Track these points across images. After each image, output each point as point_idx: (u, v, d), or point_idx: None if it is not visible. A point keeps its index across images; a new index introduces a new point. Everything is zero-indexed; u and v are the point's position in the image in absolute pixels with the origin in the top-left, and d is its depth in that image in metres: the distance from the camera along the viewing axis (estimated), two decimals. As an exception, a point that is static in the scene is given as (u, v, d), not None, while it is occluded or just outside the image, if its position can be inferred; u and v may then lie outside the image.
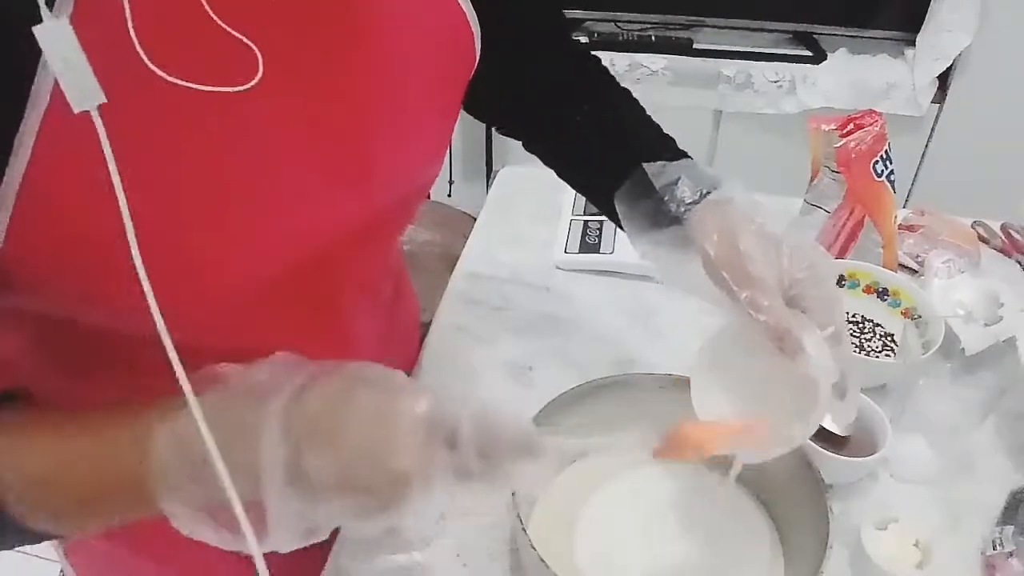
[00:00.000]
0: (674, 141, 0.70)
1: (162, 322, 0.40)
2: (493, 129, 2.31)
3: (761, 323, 0.55)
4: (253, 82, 0.47)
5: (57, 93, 0.40)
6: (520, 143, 0.78)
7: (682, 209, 0.61)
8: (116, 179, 0.39)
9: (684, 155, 0.68)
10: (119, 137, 0.41)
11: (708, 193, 0.61)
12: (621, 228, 0.64)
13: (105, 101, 0.39)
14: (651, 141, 0.70)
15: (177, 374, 0.40)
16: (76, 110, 0.39)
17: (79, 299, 0.48)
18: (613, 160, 0.68)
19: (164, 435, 0.42)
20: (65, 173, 0.42)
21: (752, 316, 0.56)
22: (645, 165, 0.63)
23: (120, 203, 0.39)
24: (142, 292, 0.45)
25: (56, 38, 0.37)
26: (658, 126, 0.72)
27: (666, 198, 0.61)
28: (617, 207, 0.64)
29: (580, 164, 0.74)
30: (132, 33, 0.41)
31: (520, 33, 0.70)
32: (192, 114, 0.46)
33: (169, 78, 0.43)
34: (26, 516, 0.46)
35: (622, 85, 0.76)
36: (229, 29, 0.45)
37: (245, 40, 0.46)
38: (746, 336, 0.58)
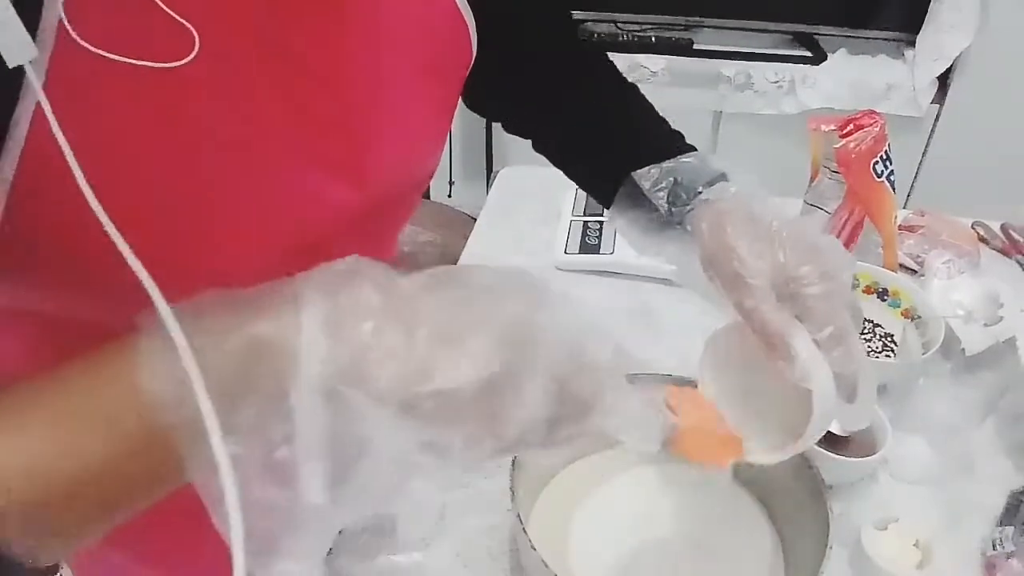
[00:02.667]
0: (682, 136, 0.68)
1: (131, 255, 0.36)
2: (493, 130, 2.33)
3: (750, 327, 0.53)
4: (185, 60, 0.45)
5: (52, 70, 0.41)
6: (522, 144, 0.78)
7: (674, 213, 0.59)
8: (61, 138, 0.38)
9: (691, 149, 0.65)
10: (77, 117, 0.41)
11: (699, 193, 0.59)
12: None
13: (37, 55, 0.39)
14: (657, 139, 0.68)
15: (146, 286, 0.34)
16: (10, 65, 0.39)
17: (76, 283, 0.48)
18: (618, 160, 0.67)
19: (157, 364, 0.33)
20: (58, 157, 0.42)
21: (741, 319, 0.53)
22: (634, 174, 0.61)
23: (72, 166, 0.38)
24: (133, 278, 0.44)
25: None
26: (665, 122, 0.70)
27: (657, 203, 0.60)
28: (614, 219, 0.63)
29: (585, 164, 0.73)
30: (60, 8, 0.41)
31: (523, 28, 0.69)
32: (139, 94, 0.45)
33: (94, 49, 0.42)
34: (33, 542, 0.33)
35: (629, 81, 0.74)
36: (165, 7, 0.44)
37: (179, 19, 0.45)
38: (743, 340, 0.55)
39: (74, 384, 0.35)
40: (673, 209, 0.59)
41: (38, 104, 0.41)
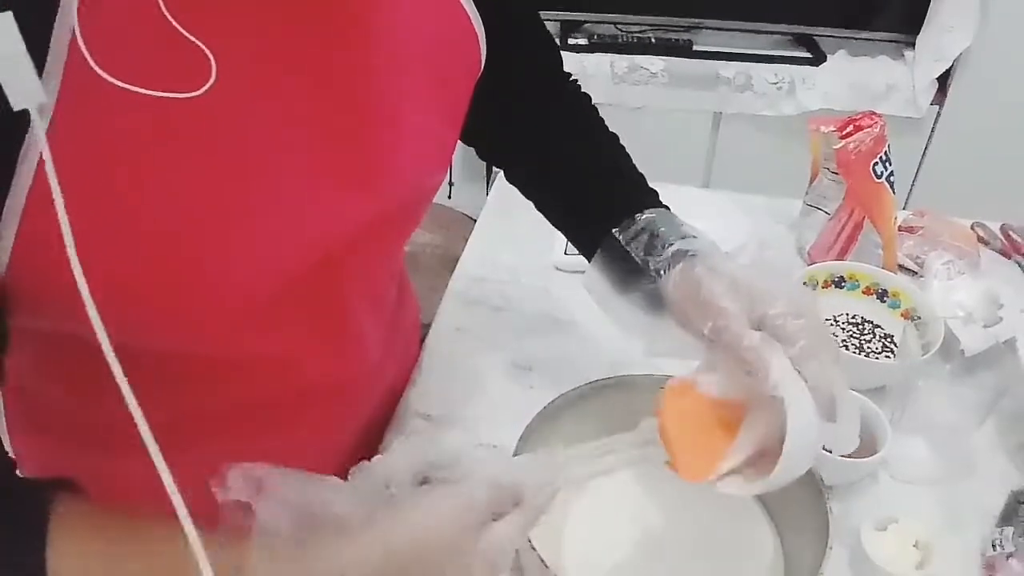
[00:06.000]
0: (655, 193, 0.70)
1: (108, 346, 0.39)
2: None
3: (727, 350, 0.54)
4: (204, 88, 0.45)
5: (56, 115, 0.40)
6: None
7: (648, 264, 0.61)
8: (54, 182, 0.37)
9: (663, 207, 0.68)
10: (91, 147, 0.40)
11: (672, 244, 0.61)
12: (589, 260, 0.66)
13: (44, 101, 0.38)
14: (630, 194, 0.70)
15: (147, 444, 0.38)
16: (15, 108, 0.38)
17: (82, 318, 0.48)
18: (589, 211, 0.70)
19: None
20: (67, 189, 0.42)
21: (717, 347, 0.55)
22: (615, 231, 0.64)
23: (59, 211, 0.38)
24: (142, 304, 0.44)
25: None
26: (640, 174, 0.72)
27: (633, 254, 0.62)
28: (591, 278, 0.65)
29: (558, 208, 0.75)
30: (79, 38, 0.40)
31: (511, 58, 0.69)
32: (160, 121, 0.45)
33: (116, 82, 0.42)
34: None
35: (610, 131, 0.76)
36: (183, 31, 0.44)
37: (198, 43, 0.45)
38: (721, 371, 0.56)
39: None
40: (648, 259, 0.62)
41: (48, 137, 0.40)
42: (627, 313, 0.63)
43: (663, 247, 0.61)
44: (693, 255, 0.60)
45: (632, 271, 0.62)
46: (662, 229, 0.63)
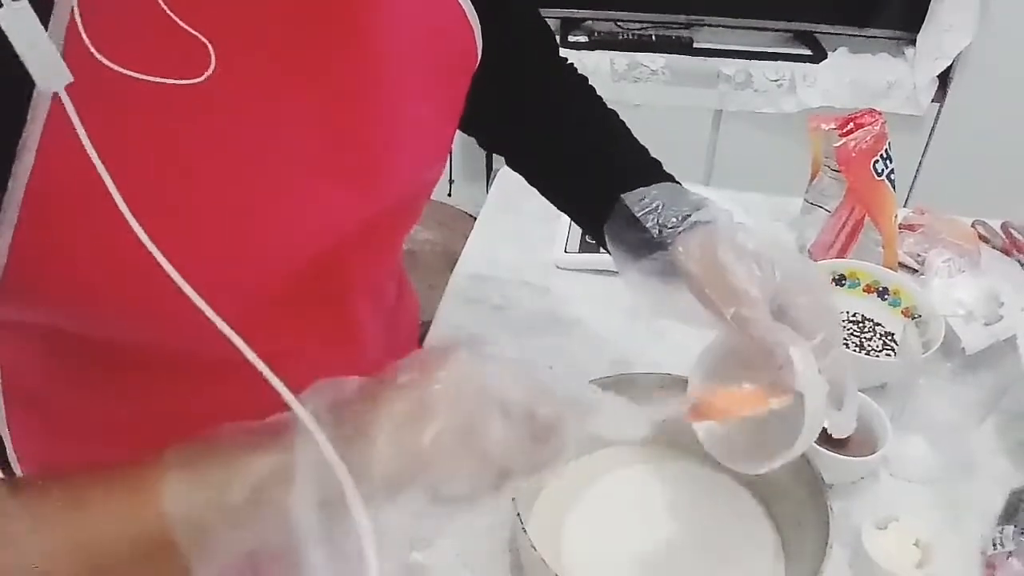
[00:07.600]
0: (659, 164, 0.70)
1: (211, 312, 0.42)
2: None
3: (748, 338, 0.55)
4: (203, 76, 0.45)
5: (57, 99, 0.40)
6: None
7: (664, 234, 0.61)
8: (94, 155, 0.39)
9: (669, 178, 0.68)
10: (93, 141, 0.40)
11: (688, 216, 0.61)
12: (604, 249, 0.65)
13: (72, 80, 0.39)
14: (635, 166, 0.70)
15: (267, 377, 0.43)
16: (44, 91, 0.39)
17: (87, 308, 0.47)
18: (596, 187, 0.69)
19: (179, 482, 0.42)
20: (67, 178, 0.42)
21: (739, 332, 0.55)
22: (624, 195, 0.63)
23: (107, 183, 0.39)
24: (145, 296, 0.44)
25: (18, 20, 0.37)
26: (644, 149, 0.72)
27: (648, 225, 0.62)
28: (607, 240, 0.64)
29: (563, 188, 0.75)
30: (80, 26, 0.40)
31: (508, 47, 0.69)
32: (158, 112, 0.45)
33: (113, 66, 0.42)
34: None
35: (609, 107, 0.76)
36: (180, 22, 0.44)
37: (195, 33, 0.45)
38: (738, 351, 0.58)
39: (110, 511, 0.43)
40: (663, 231, 0.61)
41: (47, 127, 0.41)
42: (637, 276, 0.63)
43: (679, 218, 0.61)
44: (709, 225, 0.60)
45: (643, 237, 0.62)
46: (673, 200, 0.63)
